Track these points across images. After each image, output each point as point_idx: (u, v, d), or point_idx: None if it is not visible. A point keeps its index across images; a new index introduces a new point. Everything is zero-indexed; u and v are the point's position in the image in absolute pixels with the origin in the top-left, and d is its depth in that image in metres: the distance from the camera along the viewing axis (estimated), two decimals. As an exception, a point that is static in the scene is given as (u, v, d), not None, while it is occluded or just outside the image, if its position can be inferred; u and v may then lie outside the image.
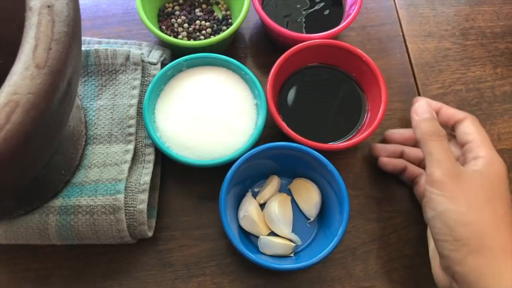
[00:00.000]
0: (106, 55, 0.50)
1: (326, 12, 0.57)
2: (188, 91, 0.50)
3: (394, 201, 0.52)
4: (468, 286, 0.37)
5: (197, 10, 0.58)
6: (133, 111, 0.49)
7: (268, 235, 0.48)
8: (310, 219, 0.49)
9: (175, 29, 0.56)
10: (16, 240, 0.45)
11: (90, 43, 0.54)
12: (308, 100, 0.52)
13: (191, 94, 0.50)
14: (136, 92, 0.49)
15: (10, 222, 0.45)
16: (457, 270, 0.37)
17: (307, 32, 0.56)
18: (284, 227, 0.47)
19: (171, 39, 0.52)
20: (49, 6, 0.29)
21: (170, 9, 0.58)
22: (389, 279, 0.49)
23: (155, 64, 0.52)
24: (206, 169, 0.49)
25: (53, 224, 0.44)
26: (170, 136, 0.48)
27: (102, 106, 0.49)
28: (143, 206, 0.45)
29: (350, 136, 0.50)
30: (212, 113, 0.49)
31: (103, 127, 0.49)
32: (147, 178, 0.47)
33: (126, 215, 0.44)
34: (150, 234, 0.47)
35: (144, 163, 0.48)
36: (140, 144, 0.49)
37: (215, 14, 0.58)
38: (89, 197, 0.45)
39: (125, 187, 0.45)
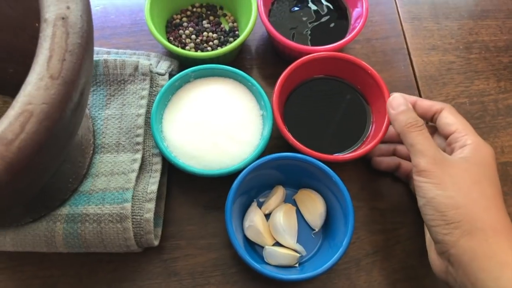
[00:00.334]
0: (115, 65, 0.51)
1: (332, 25, 0.58)
2: (195, 102, 0.51)
3: (398, 212, 0.52)
4: (463, 268, 0.37)
5: (204, 21, 0.59)
6: (141, 121, 0.49)
7: (273, 245, 0.48)
8: (315, 230, 0.49)
9: (183, 40, 0.57)
10: (23, 248, 0.46)
11: (99, 53, 0.54)
12: (314, 111, 0.53)
13: (198, 105, 0.50)
14: (144, 102, 0.50)
15: (18, 230, 0.45)
16: (452, 253, 0.38)
17: (312, 45, 0.56)
18: (289, 238, 0.47)
19: (179, 50, 0.53)
20: (63, 18, 0.29)
21: (178, 21, 0.59)
22: (393, 290, 0.49)
23: (163, 74, 0.52)
24: (212, 179, 0.50)
25: (60, 232, 0.45)
26: (177, 145, 0.48)
27: (110, 116, 0.50)
28: (150, 215, 0.45)
29: (355, 148, 0.51)
30: (218, 124, 0.49)
31: (111, 136, 0.49)
32: (154, 187, 0.47)
33: (133, 223, 0.45)
34: (156, 243, 0.47)
35: (151, 172, 0.48)
36: (148, 154, 0.49)
37: (222, 26, 0.59)
38: (96, 205, 0.45)
39: (132, 196, 0.46)
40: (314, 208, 0.49)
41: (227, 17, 0.60)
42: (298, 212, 0.50)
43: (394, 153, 0.52)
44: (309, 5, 0.59)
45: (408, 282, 0.49)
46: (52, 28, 0.29)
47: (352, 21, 0.57)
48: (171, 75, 0.54)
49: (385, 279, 0.49)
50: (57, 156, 0.33)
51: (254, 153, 0.48)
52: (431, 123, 0.48)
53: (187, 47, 0.57)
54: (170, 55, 0.57)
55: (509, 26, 0.64)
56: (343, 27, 0.58)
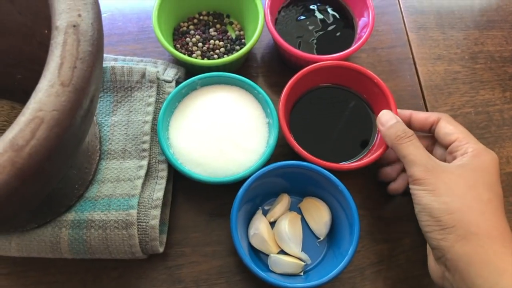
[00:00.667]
0: (122, 72, 0.51)
1: (338, 34, 0.58)
2: (202, 109, 0.51)
3: (403, 222, 0.52)
4: (460, 273, 0.37)
5: (211, 29, 0.59)
6: (147, 128, 0.50)
7: (278, 253, 0.48)
8: (319, 238, 0.49)
9: (190, 48, 0.57)
10: (29, 253, 0.46)
11: (106, 60, 0.55)
12: (319, 120, 0.53)
13: (205, 112, 0.50)
14: (151, 109, 0.50)
15: (23, 235, 0.45)
16: (448, 258, 0.38)
17: (318, 53, 0.57)
18: (294, 246, 0.47)
19: (186, 57, 0.53)
20: (74, 26, 0.30)
21: (185, 28, 0.59)
22: (398, 300, 0.49)
23: (170, 82, 0.53)
24: (217, 186, 0.50)
25: (65, 238, 0.45)
26: (183, 153, 0.49)
27: (117, 122, 0.50)
28: (156, 222, 0.45)
29: (361, 157, 0.51)
30: (224, 131, 0.49)
31: (117, 143, 0.49)
32: (160, 194, 0.47)
33: (138, 230, 0.45)
34: (161, 250, 0.47)
35: (157, 179, 0.48)
36: (154, 160, 0.49)
37: (228, 34, 0.59)
38: (102, 211, 0.45)
39: (138, 202, 0.46)
40: (319, 216, 0.49)
41: (233, 25, 0.61)
42: (303, 220, 0.50)
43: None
44: (315, 14, 0.59)
45: (413, 292, 0.49)
46: (63, 36, 0.29)
47: (358, 30, 0.58)
48: (177, 83, 0.54)
49: (390, 289, 0.49)
50: (65, 162, 0.34)
51: (260, 161, 0.48)
52: (429, 134, 0.48)
53: (194, 55, 0.57)
54: (177, 62, 0.57)
55: (514, 37, 0.65)
56: (349, 36, 0.58)
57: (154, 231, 0.45)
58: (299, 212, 0.51)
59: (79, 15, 0.30)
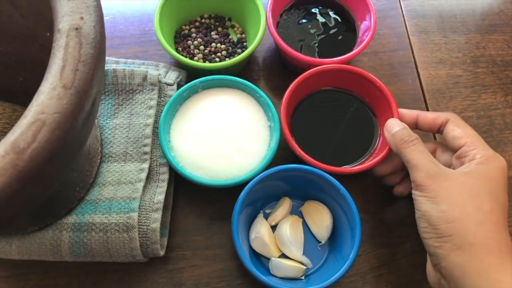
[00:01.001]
0: (124, 75, 0.51)
1: (340, 37, 0.58)
2: (203, 112, 0.51)
3: (405, 226, 0.52)
4: (455, 282, 0.37)
5: (213, 32, 0.59)
6: (148, 131, 0.49)
7: (279, 257, 0.48)
8: (321, 242, 0.49)
9: (191, 51, 0.57)
10: (29, 256, 0.46)
11: (108, 62, 0.55)
12: (321, 123, 0.53)
13: (206, 115, 0.50)
14: (152, 112, 0.50)
15: (23, 238, 0.45)
16: (443, 266, 0.38)
17: (320, 57, 0.57)
18: (295, 250, 0.47)
19: (187, 60, 0.53)
20: (77, 29, 0.30)
21: (186, 31, 0.59)
22: (399, 304, 0.49)
23: (171, 85, 0.53)
24: (218, 189, 0.50)
25: (66, 241, 0.45)
26: (185, 156, 0.48)
27: (118, 125, 0.50)
28: (156, 225, 0.45)
29: (362, 160, 0.51)
30: (226, 134, 0.49)
31: (118, 146, 0.49)
32: (161, 197, 0.47)
33: (139, 233, 0.45)
34: (162, 253, 0.47)
35: (158, 182, 0.48)
36: (155, 163, 0.49)
37: (230, 37, 0.59)
38: (103, 214, 0.45)
39: (139, 205, 0.46)
40: (321, 220, 0.49)
41: (235, 28, 0.61)
42: (305, 224, 0.50)
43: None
44: (317, 17, 0.59)
45: (414, 296, 0.49)
46: (65, 38, 0.29)
47: (360, 34, 0.58)
48: (179, 86, 0.54)
49: (391, 293, 0.49)
50: (67, 165, 0.34)
51: (261, 164, 0.48)
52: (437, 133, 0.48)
53: (196, 58, 0.57)
54: (179, 65, 0.57)
55: (516, 41, 0.65)
56: (351, 40, 0.58)
57: (155, 235, 0.45)
58: (301, 215, 0.51)
59: (82, 18, 0.30)
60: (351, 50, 0.56)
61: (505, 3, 0.68)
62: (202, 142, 0.49)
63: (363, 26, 0.58)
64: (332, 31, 0.59)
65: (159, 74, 0.52)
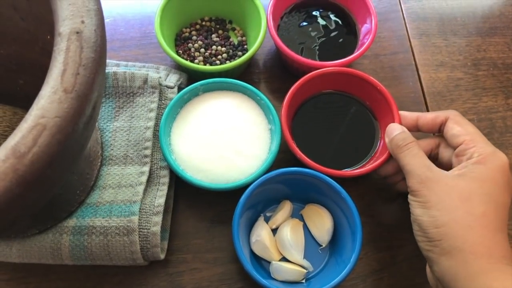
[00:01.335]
0: (125, 78, 0.51)
1: (340, 40, 0.58)
2: (204, 115, 0.51)
3: (405, 229, 0.52)
4: (447, 286, 0.38)
5: (213, 35, 0.59)
6: (149, 134, 0.49)
7: (280, 260, 0.48)
8: (322, 246, 0.49)
9: (192, 54, 0.57)
10: (29, 259, 0.45)
11: (108, 65, 0.55)
12: (322, 126, 0.53)
13: (207, 118, 0.50)
14: (153, 114, 0.50)
15: (24, 241, 0.45)
16: (435, 270, 0.39)
17: (320, 60, 0.57)
18: (296, 253, 0.47)
19: (188, 63, 0.53)
20: (78, 33, 0.30)
21: (187, 34, 0.59)
22: (400, 308, 0.49)
23: (172, 87, 0.53)
24: (218, 193, 0.50)
25: (66, 244, 0.45)
26: (185, 159, 0.48)
27: (119, 128, 0.50)
28: (157, 228, 0.45)
29: (363, 163, 0.51)
30: (227, 137, 0.49)
31: (119, 149, 0.49)
32: (161, 200, 0.47)
33: (139, 237, 0.45)
34: (162, 256, 0.47)
35: (158, 185, 0.48)
36: (155, 166, 0.49)
37: (231, 40, 0.59)
38: (103, 218, 0.45)
39: (140, 209, 0.46)
40: (322, 223, 0.49)
41: (236, 31, 0.61)
42: (305, 227, 0.50)
43: None
44: (318, 20, 0.59)
45: (415, 300, 0.49)
46: (66, 42, 0.29)
47: (361, 37, 0.58)
48: (180, 88, 0.54)
49: (392, 297, 0.49)
50: (67, 169, 0.33)
51: (262, 168, 0.48)
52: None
53: (196, 61, 0.57)
54: (179, 68, 0.57)
55: (517, 44, 0.65)
56: (352, 43, 0.58)
57: (155, 238, 0.45)
58: (301, 219, 0.51)
59: (82, 22, 0.30)
60: (351, 53, 0.56)
61: (505, 6, 0.68)
62: (202, 145, 0.49)
63: (364, 29, 0.57)
64: (332, 34, 0.58)
65: (160, 77, 0.52)
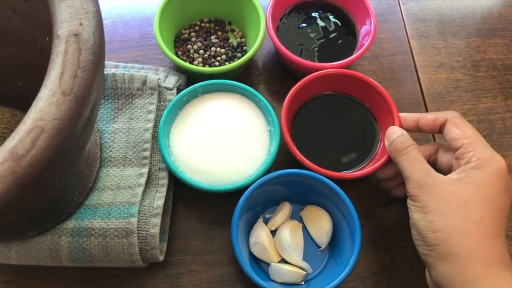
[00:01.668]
0: (123, 79, 0.51)
1: (339, 41, 0.58)
2: (203, 117, 0.51)
3: (405, 231, 0.51)
4: None
5: (212, 37, 0.59)
6: (148, 135, 0.49)
7: (279, 262, 0.48)
8: (321, 247, 0.49)
9: (191, 55, 0.57)
10: (28, 261, 0.45)
11: (107, 66, 0.55)
12: (322, 128, 0.53)
13: (206, 120, 0.50)
14: (152, 116, 0.50)
15: (22, 243, 0.45)
16: (432, 274, 0.39)
17: (320, 61, 0.56)
18: (295, 255, 0.47)
19: (187, 65, 0.53)
20: (76, 35, 0.29)
21: (186, 35, 0.59)
22: (399, 310, 0.49)
23: (171, 89, 0.52)
24: (217, 194, 0.50)
25: (65, 246, 0.44)
26: (184, 160, 0.48)
27: (118, 129, 0.50)
28: (156, 230, 0.45)
29: (363, 165, 0.51)
30: (226, 139, 0.49)
31: (118, 150, 0.49)
32: (160, 202, 0.47)
33: (138, 238, 0.45)
34: (161, 258, 0.47)
35: (157, 187, 0.48)
36: (154, 168, 0.49)
37: (230, 41, 0.59)
38: (102, 219, 0.45)
39: (138, 210, 0.46)
40: (321, 225, 0.49)
41: (235, 33, 0.60)
42: (304, 229, 0.50)
43: None
44: (317, 21, 0.59)
45: (415, 301, 0.49)
46: (64, 45, 0.29)
47: (360, 38, 0.58)
48: (179, 90, 0.54)
49: (392, 299, 0.49)
50: (66, 171, 0.33)
51: (261, 169, 0.48)
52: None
53: (195, 62, 0.57)
54: (178, 69, 0.57)
55: (516, 45, 0.65)
56: (351, 44, 0.58)
57: (154, 240, 0.45)
58: (300, 220, 0.50)
59: (81, 24, 0.30)
60: (351, 54, 0.56)
61: (505, 7, 0.68)
62: (201, 146, 0.49)
63: (363, 30, 0.57)
64: (332, 35, 0.58)
65: (159, 79, 0.52)
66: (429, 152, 0.47)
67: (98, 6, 0.32)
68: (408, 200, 0.42)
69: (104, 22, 0.61)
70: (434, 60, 0.63)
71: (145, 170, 0.48)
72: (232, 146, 0.49)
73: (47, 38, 0.40)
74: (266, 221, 0.50)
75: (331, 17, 0.60)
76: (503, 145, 0.58)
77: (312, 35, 0.58)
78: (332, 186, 0.46)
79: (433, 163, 0.47)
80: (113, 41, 0.61)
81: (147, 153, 0.49)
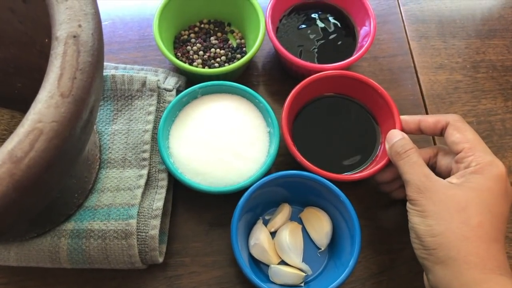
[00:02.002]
0: (123, 81, 0.51)
1: (339, 42, 0.58)
2: (202, 118, 0.51)
3: (405, 232, 0.51)
4: None
5: (212, 38, 0.59)
6: (147, 137, 0.49)
7: (279, 264, 0.48)
8: (320, 249, 0.49)
9: (190, 56, 0.57)
10: (27, 263, 0.45)
11: (106, 68, 0.54)
12: (322, 129, 0.53)
13: (205, 121, 0.50)
14: (151, 117, 0.50)
15: (22, 245, 0.45)
16: (429, 278, 0.40)
17: (319, 62, 0.56)
18: (295, 256, 0.47)
19: (186, 66, 0.53)
20: (74, 36, 0.29)
21: (186, 37, 0.59)
22: (399, 311, 0.49)
23: (170, 90, 0.52)
24: (217, 196, 0.50)
25: (64, 248, 0.44)
26: (184, 162, 0.48)
27: (117, 131, 0.50)
28: (155, 232, 0.45)
29: (364, 167, 0.51)
30: (225, 140, 0.49)
31: (117, 152, 0.49)
32: (159, 203, 0.47)
33: (137, 240, 0.45)
34: (160, 260, 0.47)
35: (157, 188, 0.48)
36: (154, 169, 0.49)
37: (229, 42, 0.59)
38: (101, 221, 0.45)
39: (138, 212, 0.45)
40: (320, 226, 0.49)
41: (234, 34, 0.60)
42: (304, 230, 0.50)
43: None
44: (316, 22, 0.59)
45: (414, 303, 0.49)
46: (63, 46, 0.29)
47: (360, 39, 0.58)
48: (178, 91, 0.54)
49: (392, 300, 0.49)
50: (65, 173, 0.33)
51: (261, 170, 0.48)
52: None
53: (195, 63, 0.57)
54: (178, 71, 0.57)
55: (516, 46, 0.65)
56: (350, 45, 0.58)
57: (153, 241, 0.45)
58: (300, 222, 0.50)
59: (80, 26, 0.30)
60: (350, 55, 0.56)
61: (504, 8, 0.68)
62: (201, 148, 0.49)
63: (362, 31, 0.57)
64: (331, 37, 0.58)
65: (158, 80, 0.52)
66: (429, 155, 0.47)
67: (97, 8, 0.32)
68: (408, 204, 0.42)
69: (104, 23, 0.62)
70: (433, 61, 0.63)
71: (144, 171, 0.48)
72: (231, 148, 0.49)
73: (46, 40, 0.40)
74: (265, 223, 0.50)
75: (330, 18, 0.60)
76: (503, 146, 0.58)
77: (311, 36, 0.58)
78: (331, 187, 0.46)
79: (433, 166, 0.47)
80: (113, 42, 0.61)
81: (146, 155, 0.49)
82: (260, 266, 0.48)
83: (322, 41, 0.58)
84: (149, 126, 0.50)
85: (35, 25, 0.40)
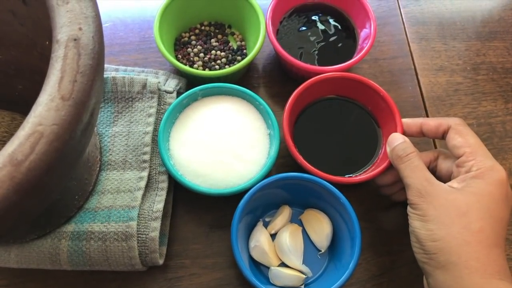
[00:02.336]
0: (124, 83, 0.51)
1: (339, 45, 0.58)
2: (203, 120, 0.51)
3: (405, 234, 0.51)
4: None
5: (212, 40, 0.59)
6: (148, 139, 0.49)
7: (279, 265, 0.48)
8: (321, 251, 0.49)
9: (191, 58, 0.57)
10: (28, 265, 0.45)
11: (107, 70, 0.55)
12: (323, 132, 0.53)
13: (206, 123, 0.50)
14: (151, 119, 0.50)
15: (22, 246, 0.45)
16: (430, 282, 0.40)
17: (319, 64, 0.56)
18: (295, 258, 0.47)
19: (187, 68, 0.53)
20: (75, 40, 0.30)
21: (186, 39, 0.59)
22: (399, 314, 0.49)
23: (171, 92, 0.52)
24: (217, 198, 0.50)
25: (64, 250, 0.44)
26: (184, 164, 0.48)
27: (118, 133, 0.50)
28: (155, 234, 0.45)
29: (365, 170, 0.51)
30: (225, 142, 0.49)
31: (117, 154, 0.49)
32: (160, 205, 0.47)
33: (138, 242, 0.45)
34: (161, 262, 0.47)
35: (157, 190, 0.48)
36: (154, 171, 0.49)
37: (230, 44, 0.59)
38: (101, 223, 0.45)
39: (138, 214, 0.46)
40: (321, 228, 0.49)
41: (235, 36, 0.61)
42: (304, 232, 0.50)
43: None
44: (317, 25, 0.59)
45: (415, 305, 0.49)
46: (64, 49, 0.29)
47: (360, 41, 0.58)
48: (179, 93, 0.54)
49: (392, 302, 0.49)
50: (65, 176, 0.33)
51: (261, 172, 0.48)
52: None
53: (195, 65, 0.57)
54: (178, 73, 0.57)
55: (516, 48, 0.65)
56: (351, 47, 0.58)
57: (154, 243, 0.45)
58: (300, 224, 0.50)
59: (80, 29, 0.30)
60: (351, 57, 0.56)
61: (505, 10, 0.68)
62: (201, 150, 0.49)
63: (363, 33, 0.57)
64: (332, 39, 0.58)
65: (159, 82, 0.52)
66: (430, 159, 0.47)
67: (98, 11, 0.32)
68: (408, 208, 0.42)
69: (104, 25, 0.62)
70: (434, 63, 0.63)
71: (144, 173, 0.48)
72: (232, 150, 0.49)
73: (47, 42, 0.40)
74: (266, 225, 0.50)
75: (331, 20, 0.60)
76: (503, 148, 0.58)
77: (312, 38, 0.58)
78: (332, 189, 0.46)
79: (433, 170, 0.47)
80: (113, 44, 0.61)
81: (146, 157, 0.49)
82: (260, 268, 0.48)
83: (323, 43, 0.58)
84: (150, 128, 0.50)
85: (36, 27, 0.40)
